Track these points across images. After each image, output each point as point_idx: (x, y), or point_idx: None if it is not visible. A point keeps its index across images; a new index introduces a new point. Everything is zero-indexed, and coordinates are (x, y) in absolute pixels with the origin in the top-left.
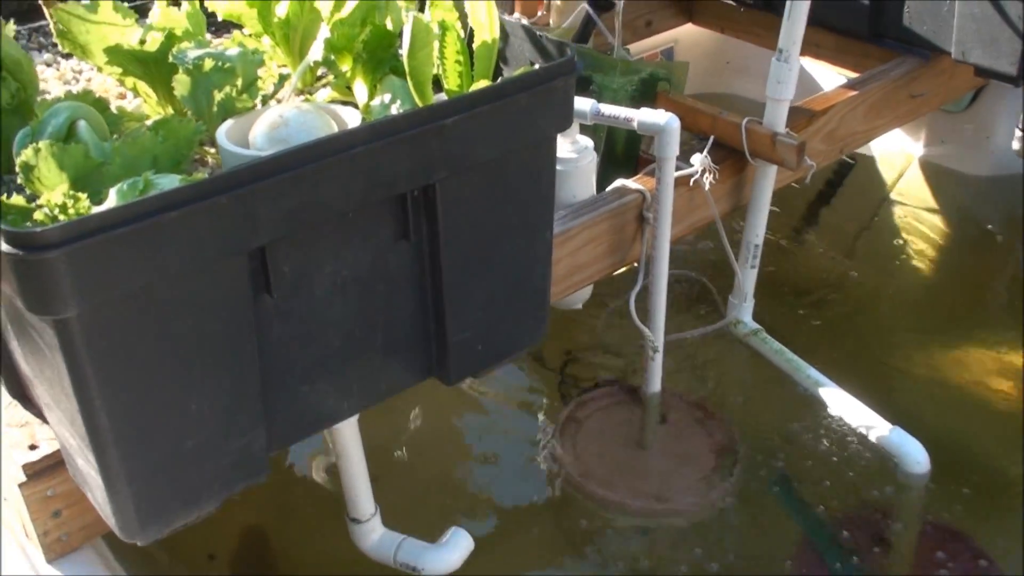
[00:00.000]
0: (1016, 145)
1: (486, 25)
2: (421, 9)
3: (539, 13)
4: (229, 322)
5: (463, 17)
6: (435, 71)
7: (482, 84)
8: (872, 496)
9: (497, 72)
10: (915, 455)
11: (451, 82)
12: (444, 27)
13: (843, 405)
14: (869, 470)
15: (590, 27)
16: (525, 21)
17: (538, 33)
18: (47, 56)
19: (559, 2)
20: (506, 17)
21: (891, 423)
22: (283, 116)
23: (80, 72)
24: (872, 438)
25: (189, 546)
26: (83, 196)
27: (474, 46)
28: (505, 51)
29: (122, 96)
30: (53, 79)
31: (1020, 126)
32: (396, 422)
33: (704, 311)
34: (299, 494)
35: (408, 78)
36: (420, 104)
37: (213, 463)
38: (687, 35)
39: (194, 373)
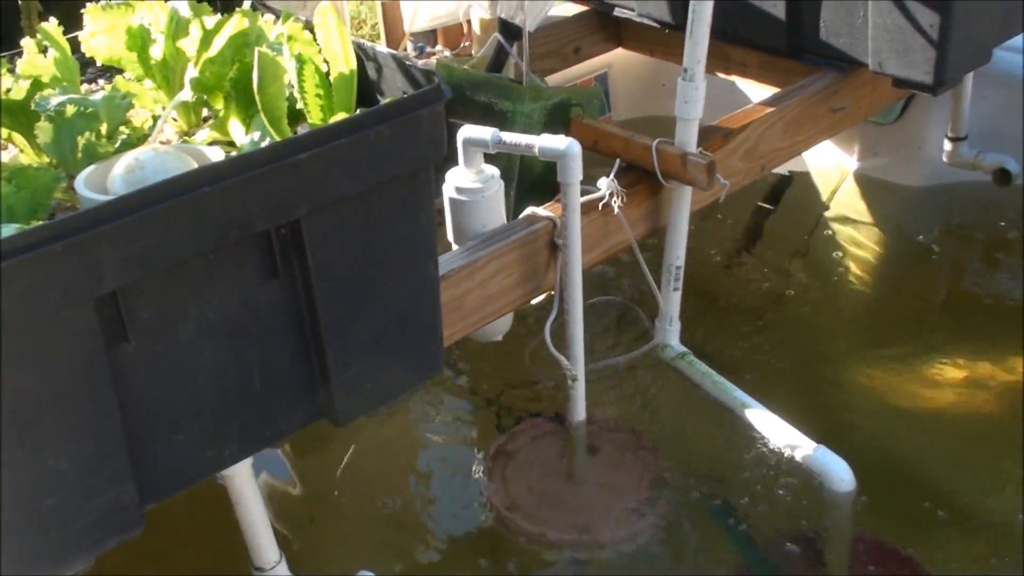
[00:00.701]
0: (946, 155)
1: (341, 56)
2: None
3: (463, 44)
4: (81, 374)
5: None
6: (298, 106)
7: (341, 116)
8: (804, 515)
9: (373, 105)
10: (839, 473)
11: (314, 116)
12: (301, 61)
13: (769, 425)
14: (799, 490)
15: (503, 56)
16: (448, 53)
17: (407, 63)
18: None
19: (479, 32)
20: (377, 48)
21: (821, 440)
22: (139, 159)
23: None
24: (797, 457)
25: None
26: None
27: (331, 78)
28: (380, 83)
29: (4, 147)
30: None
31: (949, 135)
32: (329, 459)
33: (633, 334)
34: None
35: (262, 114)
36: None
37: (78, 521)
38: (620, 60)
39: (47, 429)
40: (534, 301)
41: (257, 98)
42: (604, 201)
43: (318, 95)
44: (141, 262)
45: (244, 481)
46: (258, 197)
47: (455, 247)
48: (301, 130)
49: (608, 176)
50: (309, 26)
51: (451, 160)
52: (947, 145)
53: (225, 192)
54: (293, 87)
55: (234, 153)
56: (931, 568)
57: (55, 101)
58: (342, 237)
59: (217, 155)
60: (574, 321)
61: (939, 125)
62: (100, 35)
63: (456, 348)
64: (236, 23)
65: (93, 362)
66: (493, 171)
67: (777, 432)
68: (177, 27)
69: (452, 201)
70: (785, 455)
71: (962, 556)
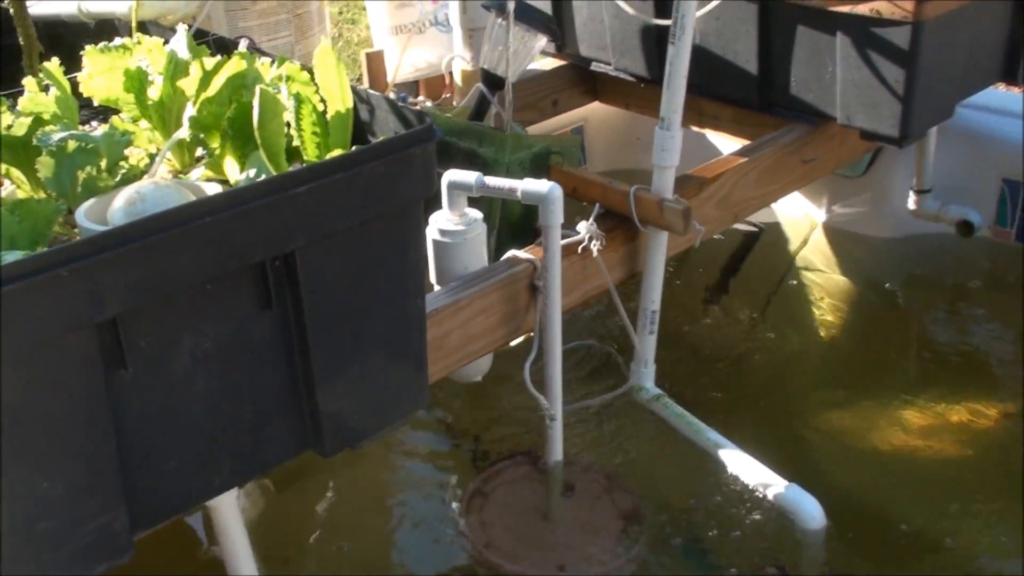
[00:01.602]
0: (912, 206)
1: (338, 96)
2: None
3: (444, 95)
4: (80, 398)
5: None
6: (295, 143)
7: (337, 153)
8: (777, 553)
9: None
10: (811, 511)
11: (309, 153)
12: (299, 100)
13: (742, 465)
14: (773, 528)
15: (485, 105)
16: (429, 103)
17: (400, 105)
18: None
19: (460, 83)
20: (371, 91)
21: (793, 480)
22: (140, 192)
23: None
24: (770, 496)
25: None
26: None
27: (328, 117)
28: (373, 124)
29: (0, 183)
30: None
31: (914, 188)
32: (306, 497)
33: (613, 380)
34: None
35: (261, 150)
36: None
37: (70, 545)
38: (595, 113)
39: (44, 452)
40: (513, 343)
41: (257, 134)
42: (583, 245)
43: (315, 132)
44: (142, 289)
45: (228, 512)
46: (256, 228)
47: (437, 288)
48: (296, 167)
49: (588, 220)
50: (306, 67)
51: (434, 204)
52: (912, 197)
53: (225, 223)
54: (290, 125)
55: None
56: None
57: (57, 137)
58: (334, 270)
59: (214, 190)
60: (553, 362)
61: (904, 178)
62: (98, 76)
63: (435, 387)
64: (234, 64)
65: (92, 387)
66: (476, 214)
67: (750, 472)
68: (176, 68)
69: (436, 243)
70: (757, 494)
71: None
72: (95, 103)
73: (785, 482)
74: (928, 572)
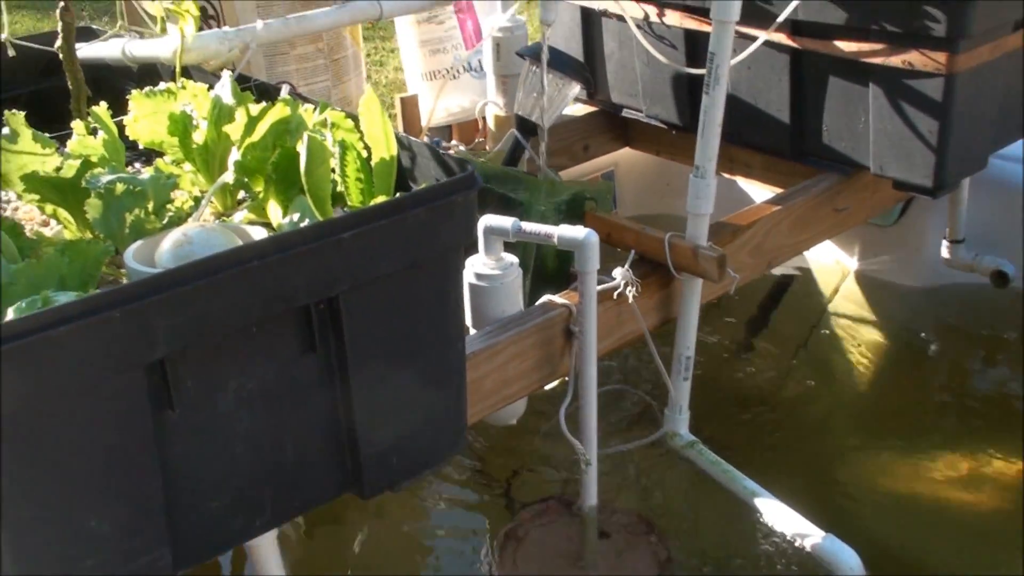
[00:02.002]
0: (945, 256)
1: (383, 142)
2: None
3: (477, 140)
4: (129, 438)
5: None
6: (338, 189)
7: (381, 199)
8: None
9: (406, 191)
10: (848, 561)
11: (353, 199)
12: (344, 146)
13: (777, 514)
14: None
15: (519, 150)
16: (463, 147)
17: (441, 152)
18: None
19: (493, 128)
20: (412, 138)
21: (828, 530)
22: (187, 234)
23: (8, 201)
24: (806, 545)
25: None
26: None
27: (372, 163)
28: (414, 170)
29: (45, 223)
30: None
31: (947, 237)
32: (338, 540)
33: (647, 426)
34: None
35: (307, 195)
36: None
37: None
38: (626, 158)
39: (92, 490)
40: (547, 387)
41: (304, 179)
42: (619, 291)
43: (359, 179)
44: (190, 331)
45: (269, 551)
46: (303, 273)
47: (473, 331)
48: (339, 213)
49: (623, 266)
50: (351, 114)
51: (470, 248)
52: (945, 247)
53: (273, 267)
54: (334, 171)
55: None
56: None
57: (105, 179)
58: (377, 314)
59: (259, 234)
60: (588, 406)
61: (937, 228)
62: (143, 120)
63: (469, 430)
64: (278, 110)
65: (141, 426)
66: (512, 259)
67: (786, 521)
68: (220, 113)
69: (472, 287)
70: (794, 544)
71: None
72: (139, 146)
73: (822, 532)
74: None
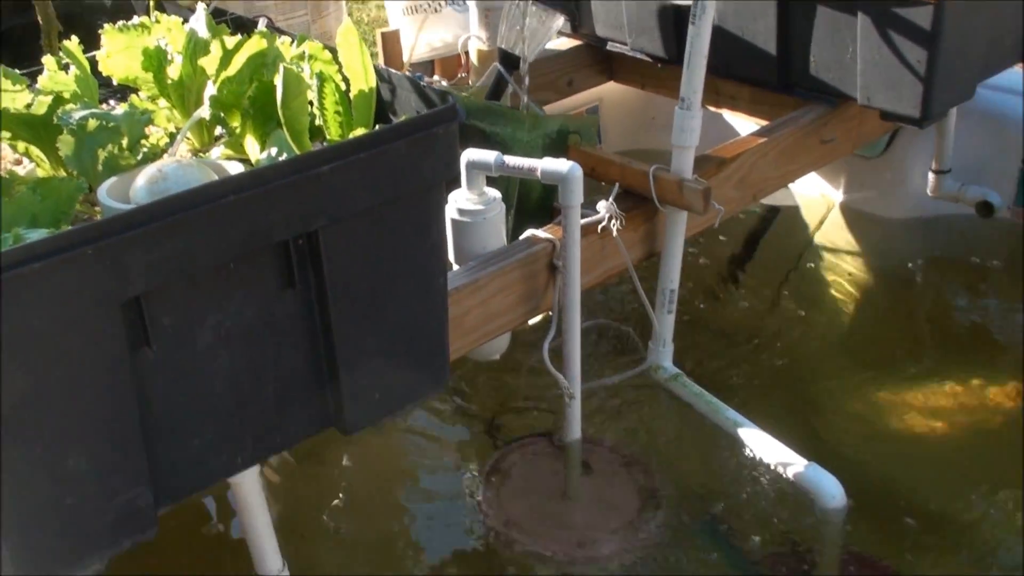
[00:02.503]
0: (930, 188)
1: (361, 74)
2: None
3: (459, 74)
4: (105, 376)
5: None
6: (317, 122)
7: (360, 132)
8: (795, 532)
9: (387, 124)
10: (831, 490)
11: (332, 132)
12: (322, 78)
13: (761, 444)
14: (790, 507)
15: (502, 85)
16: (445, 83)
17: (422, 84)
18: None
19: (476, 63)
20: (392, 70)
21: (810, 460)
22: (162, 170)
23: None
24: (789, 475)
25: None
26: None
27: (351, 95)
28: (394, 103)
29: (18, 162)
30: None
31: (933, 168)
32: (325, 479)
33: (631, 360)
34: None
35: (284, 129)
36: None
37: (95, 521)
38: (611, 93)
39: (70, 429)
40: (531, 322)
41: (280, 112)
42: (603, 224)
43: (337, 112)
44: (166, 268)
45: (251, 488)
46: (280, 208)
47: (456, 267)
48: (319, 146)
49: (607, 200)
50: (330, 47)
51: (452, 183)
52: (931, 178)
53: (250, 202)
54: (312, 104)
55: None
56: None
57: (77, 115)
58: (357, 249)
59: (236, 169)
60: (572, 340)
61: (923, 159)
62: (117, 55)
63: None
64: (255, 43)
65: (117, 365)
66: (495, 194)
67: (769, 450)
68: (196, 47)
69: (455, 222)
70: (777, 473)
71: (947, 570)
72: (114, 82)
73: (805, 461)
74: (948, 553)
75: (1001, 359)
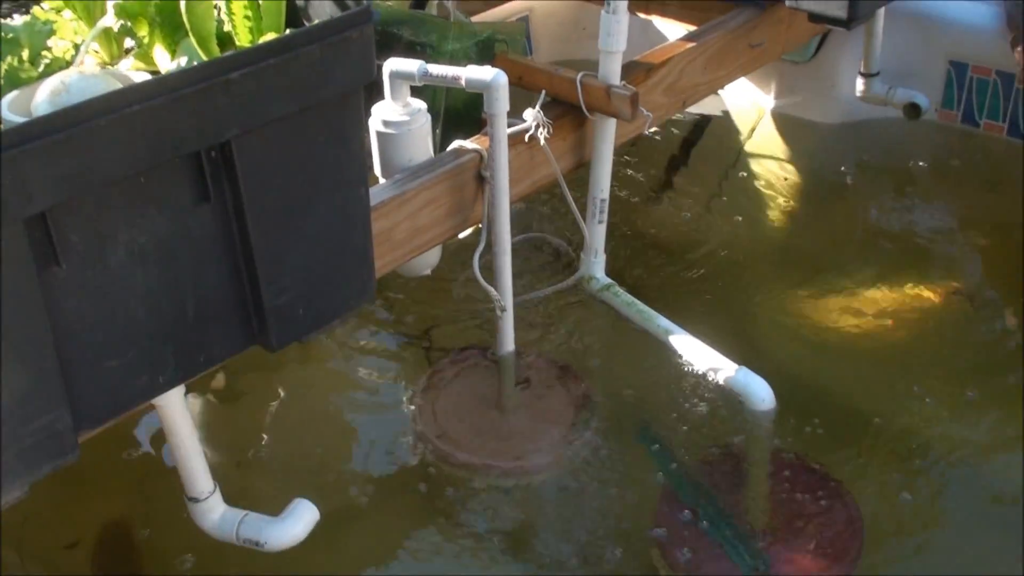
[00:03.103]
0: (859, 91)
1: None
2: None
3: None
4: (12, 296)
5: None
6: (225, 28)
7: (270, 37)
8: (727, 437)
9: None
10: (760, 393)
11: (242, 38)
12: None
13: (692, 350)
14: (722, 412)
15: None
16: None
17: None
18: None
19: None
20: None
21: (741, 365)
22: (64, 82)
23: None
24: (720, 379)
25: (42, 541)
26: None
27: (259, 0)
28: (308, 9)
29: None
30: None
31: (862, 71)
32: (257, 402)
33: (564, 272)
34: (161, 485)
35: (190, 35)
36: None
37: (12, 446)
38: (541, 4)
39: None
40: (461, 235)
41: (184, 18)
42: (530, 133)
43: (246, 16)
44: (70, 182)
45: (177, 409)
46: (189, 117)
47: (382, 181)
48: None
49: (534, 108)
50: None
51: (376, 96)
52: (860, 82)
53: (156, 111)
54: (220, 10)
55: None
56: (846, 480)
57: None
58: (273, 160)
59: (143, 79)
60: (502, 253)
61: (852, 63)
62: None
63: (383, 282)
64: None
65: (24, 285)
66: (420, 104)
67: (700, 356)
68: None
69: (379, 135)
70: (708, 378)
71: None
72: None
73: (735, 365)
74: (877, 452)
75: (925, 260)
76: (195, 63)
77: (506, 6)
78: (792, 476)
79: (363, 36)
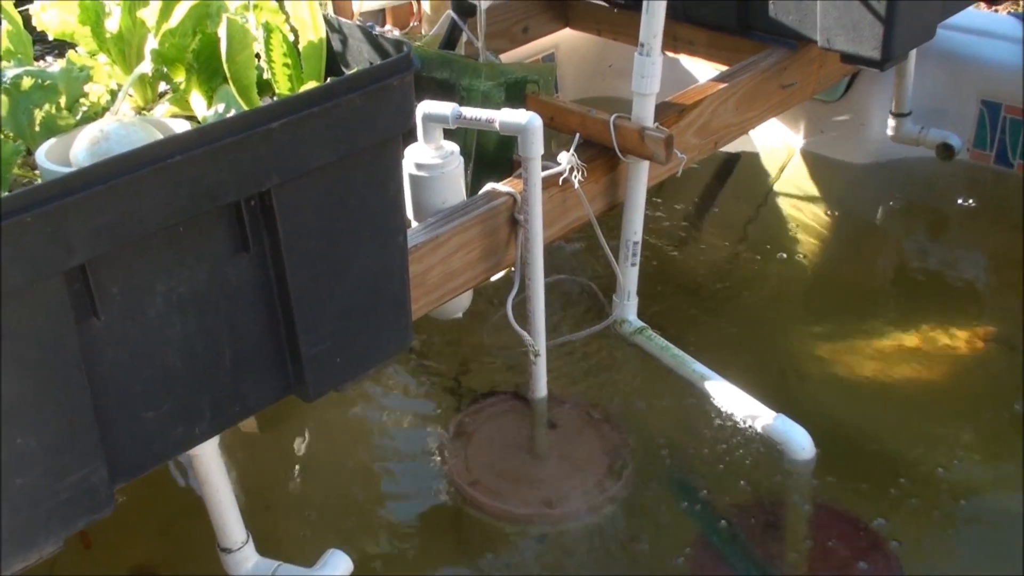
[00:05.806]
0: (890, 131)
1: (309, 24)
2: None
3: (412, 23)
4: (50, 350)
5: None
6: (265, 76)
7: (311, 86)
8: (764, 485)
9: (338, 76)
10: (800, 441)
11: (281, 86)
12: (268, 29)
13: (729, 397)
14: (760, 460)
15: (456, 33)
16: (397, 32)
17: (375, 33)
18: None
19: (429, 11)
20: (342, 19)
21: (779, 411)
22: (103, 130)
23: None
24: (758, 427)
25: None
26: None
27: (300, 47)
28: (345, 54)
29: None
30: None
31: (893, 111)
32: (286, 443)
33: (596, 315)
34: (192, 527)
35: (231, 84)
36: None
37: (48, 501)
38: (567, 40)
39: (15, 406)
40: (493, 278)
41: (225, 67)
42: (564, 176)
43: (286, 64)
44: (111, 234)
45: (211, 460)
46: (229, 167)
47: (415, 224)
48: (268, 102)
49: (568, 151)
50: None
51: (408, 138)
52: (891, 122)
53: (196, 162)
54: (260, 57)
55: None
56: (889, 535)
57: (10, 73)
58: (312, 208)
59: (182, 127)
60: (535, 296)
61: (883, 102)
62: (51, 8)
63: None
64: None
65: (62, 337)
66: (453, 147)
67: (736, 403)
68: None
69: (412, 177)
70: (745, 425)
71: (920, 523)
72: (49, 37)
73: (773, 413)
74: (917, 501)
75: (960, 303)
76: (234, 111)
77: (532, 44)
78: (830, 525)
79: (404, 83)
